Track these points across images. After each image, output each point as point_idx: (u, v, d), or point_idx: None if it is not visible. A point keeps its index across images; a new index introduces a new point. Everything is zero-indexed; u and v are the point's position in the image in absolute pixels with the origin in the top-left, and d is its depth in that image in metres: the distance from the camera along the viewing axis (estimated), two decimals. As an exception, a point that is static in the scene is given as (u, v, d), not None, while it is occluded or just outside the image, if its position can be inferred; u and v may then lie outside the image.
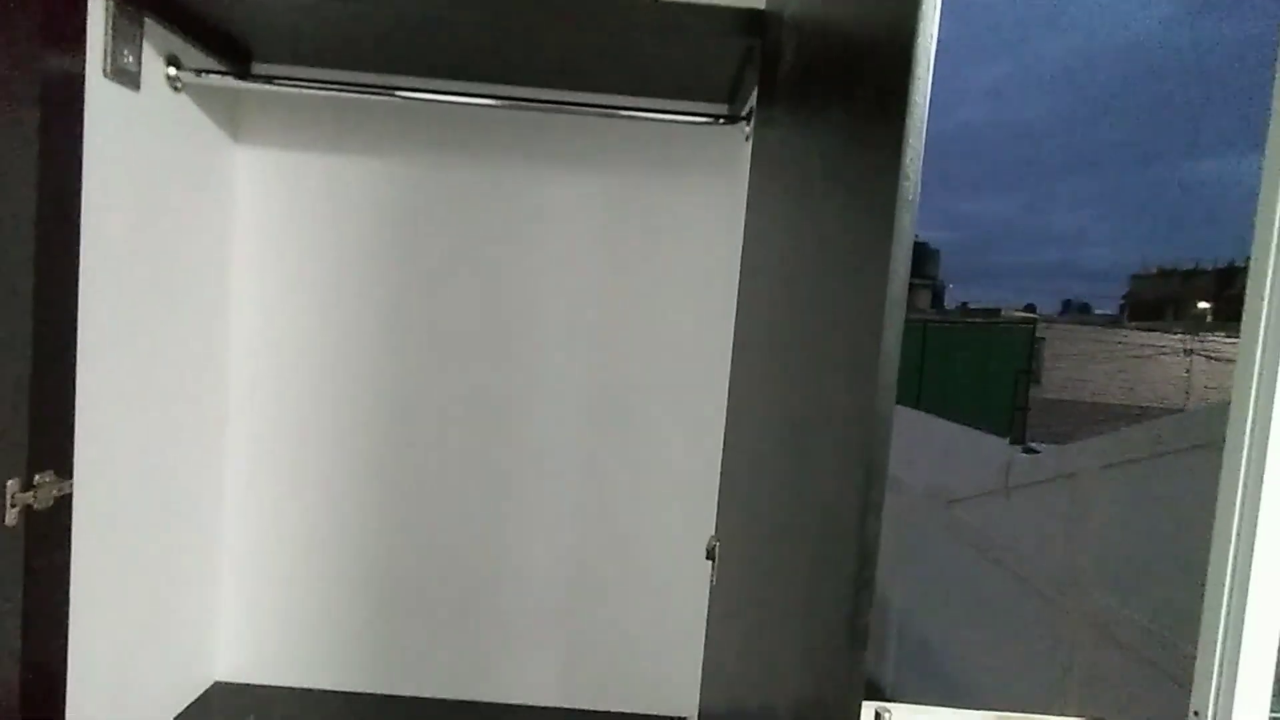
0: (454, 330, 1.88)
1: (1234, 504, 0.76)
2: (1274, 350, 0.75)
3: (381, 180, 1.84)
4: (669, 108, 1.73)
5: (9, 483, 1.12)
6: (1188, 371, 13.71)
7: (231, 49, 1.65)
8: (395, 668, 1.93)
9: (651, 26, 1.36)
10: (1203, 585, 0.80)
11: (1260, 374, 0.75)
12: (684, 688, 1.85)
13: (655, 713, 1.93)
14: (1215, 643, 0.77)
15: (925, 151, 0.59)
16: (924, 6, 0.58)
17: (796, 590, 0.84)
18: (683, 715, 1.90)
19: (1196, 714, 0.79)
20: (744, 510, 1.22)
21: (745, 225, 1.38)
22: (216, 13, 1.48)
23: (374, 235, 1.85)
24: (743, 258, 1.38)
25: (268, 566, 1.91)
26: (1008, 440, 5.79)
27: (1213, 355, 13.57)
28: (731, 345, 1.45)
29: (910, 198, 0.60)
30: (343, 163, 1.83)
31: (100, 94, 1.31)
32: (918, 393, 8.28)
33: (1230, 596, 0.77)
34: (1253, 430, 0.75)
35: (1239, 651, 0.75)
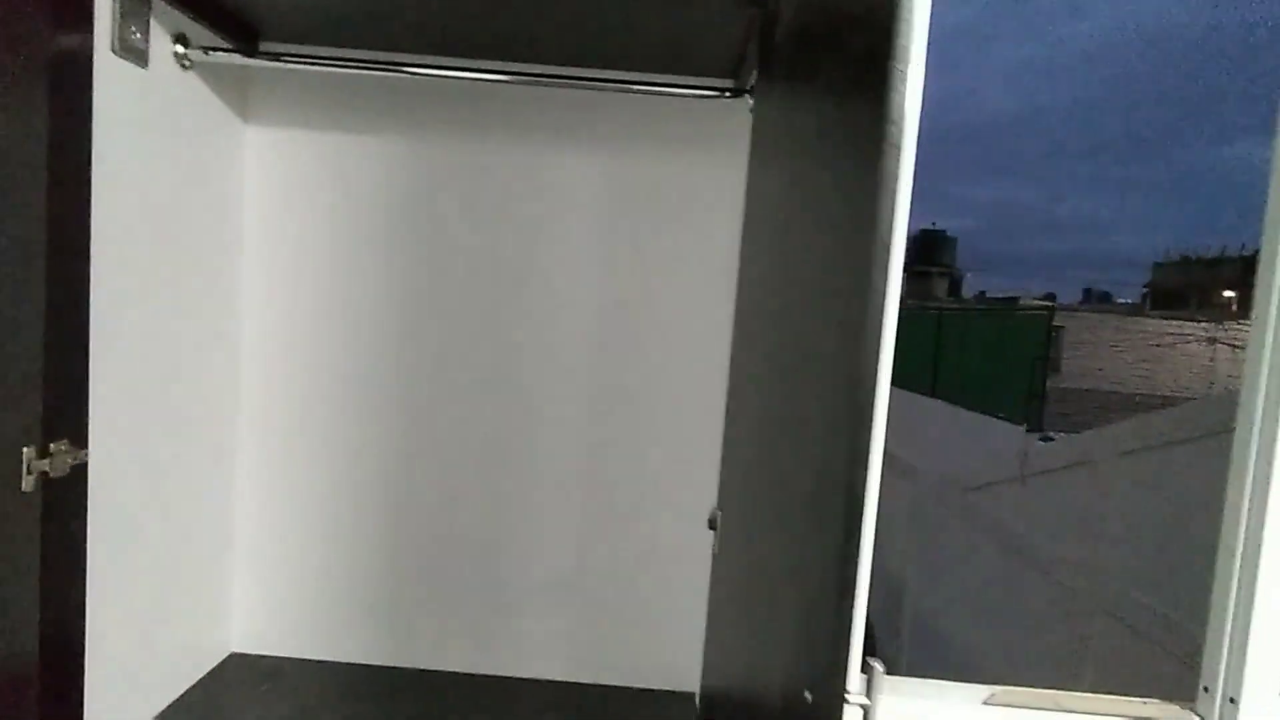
0: (462, 305, 1.89)
1: (1244, 481, 0.75)
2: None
3: (388, 158, 1.85)
4: (675, 82, 1.73)
5: (25, 450, 1.14)
6: (1211, 360, 13.46)
7: (239, 28, 1.67)
8: (405, 641, 1.96)
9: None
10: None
11: (1270, 356, 0.74)
12: (689, 662, 1.86)
13: (661, 687, 1.95)
14: (1225, 619, 0.77)
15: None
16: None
17: (793, 548, 0.84)
18: (687, 689, 1.91)
19: (1206, 689, 0.79)
20: (744, 476, 1.22)
21: (746, 192, 1.37)
22: (223, -10, 1.49)
23: (382, 212, 1.87)
24: (744, 224, 1.37)
25: (282, 541, 1.95)
26: (1024, 429, 5.72)
27: (1237, 344, 13.31)
28: (734, 316, 1.45)
29: (898, 143, 0.59)
30: (350, 142, 1.85)
31: (109, 70, 1.33)
32: (934, 381, 8.20)
33: (1240, 572, 0.77)
34: (1264, 412, 0.75)
35: (1248, 627, 0.75)
